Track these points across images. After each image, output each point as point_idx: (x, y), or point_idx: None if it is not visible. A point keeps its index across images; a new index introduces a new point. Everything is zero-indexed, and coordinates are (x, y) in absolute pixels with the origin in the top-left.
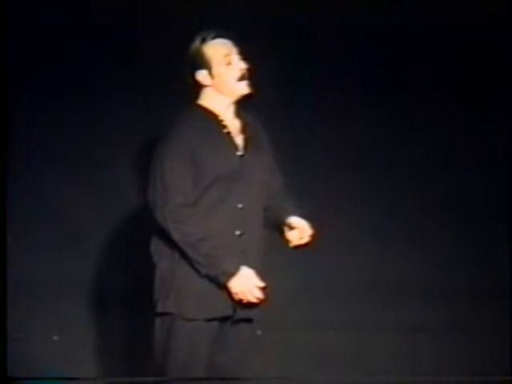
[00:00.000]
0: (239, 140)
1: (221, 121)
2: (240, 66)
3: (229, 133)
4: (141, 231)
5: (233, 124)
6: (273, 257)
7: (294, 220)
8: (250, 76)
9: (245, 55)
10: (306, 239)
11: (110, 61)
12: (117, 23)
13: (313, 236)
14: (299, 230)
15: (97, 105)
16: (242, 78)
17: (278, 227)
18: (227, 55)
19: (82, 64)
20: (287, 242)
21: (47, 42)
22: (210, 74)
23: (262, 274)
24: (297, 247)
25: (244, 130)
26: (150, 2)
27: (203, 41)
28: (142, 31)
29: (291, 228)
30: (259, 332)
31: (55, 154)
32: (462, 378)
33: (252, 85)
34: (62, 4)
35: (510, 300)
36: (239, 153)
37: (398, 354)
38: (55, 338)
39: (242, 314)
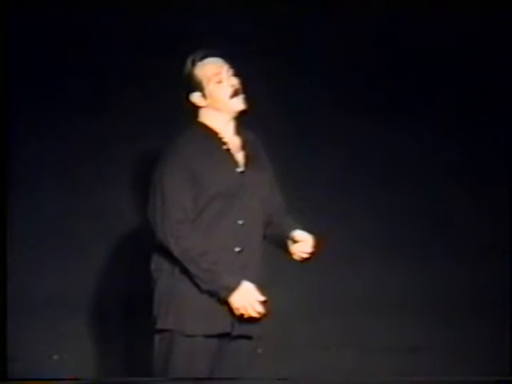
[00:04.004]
0: (239, 157)
1: (220, 138)
2: (231, 82)
3: (228, 149)
4: (142, 248)
5: (232, 141)
6: (273, 274)
7: (298, 233)
8: (243, 91)
9: (236, 71)
10: (309, 251)
11: (111, 77)
12: (119, 37)
13: (316, 248)
14: (303, 243)
15: (98, 121)
16: (234, 94)
17: (281, 242)
18: (217, 74)
19: (83, 80)
20: (291, 255)
21: (49, 57)
22: (203, 95)
23: (262, 290)
24: (301, 260)
25: (244, 146)
26: (152, 17)
27: (193, 62)
28: (142, 48)
29: (295, 241)
30: (259, 350)
31: (56, 169)
32: (462, 378)
33: (247, 99)
34: (66, 17)
35: (510, 320)
36: (239, 169)
37: (397, 373)
38: (55, 357)
39: (241, 330)
